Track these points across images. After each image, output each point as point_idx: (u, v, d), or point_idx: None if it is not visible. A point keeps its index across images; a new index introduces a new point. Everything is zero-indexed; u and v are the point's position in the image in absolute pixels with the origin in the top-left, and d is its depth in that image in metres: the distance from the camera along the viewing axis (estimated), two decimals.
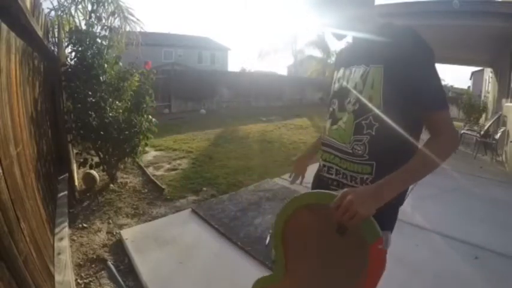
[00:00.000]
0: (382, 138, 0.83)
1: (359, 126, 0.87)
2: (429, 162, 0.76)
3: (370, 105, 0.83)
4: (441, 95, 0.80)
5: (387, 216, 0.91)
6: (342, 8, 0.86)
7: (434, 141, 0.79)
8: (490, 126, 5.97)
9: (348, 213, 0.69)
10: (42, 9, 2.46)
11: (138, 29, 4.23)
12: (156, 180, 3.48)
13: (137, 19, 4.14)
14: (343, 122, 0.92)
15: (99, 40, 3.03)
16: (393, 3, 5.14)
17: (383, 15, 4.81)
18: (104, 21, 3.41)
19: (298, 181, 1.31)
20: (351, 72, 0.94)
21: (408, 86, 0.79)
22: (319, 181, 1.04)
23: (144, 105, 3.29)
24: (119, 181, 3.40)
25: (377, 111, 0.82)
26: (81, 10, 3.57)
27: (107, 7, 3.59)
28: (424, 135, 0.85)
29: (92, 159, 3.07)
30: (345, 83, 0.95)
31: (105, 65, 3.00)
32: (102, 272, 1.93)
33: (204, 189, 3.38)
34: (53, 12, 3.44)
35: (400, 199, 0.92)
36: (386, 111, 0.81)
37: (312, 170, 1.13)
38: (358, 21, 0.89)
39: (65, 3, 3.51)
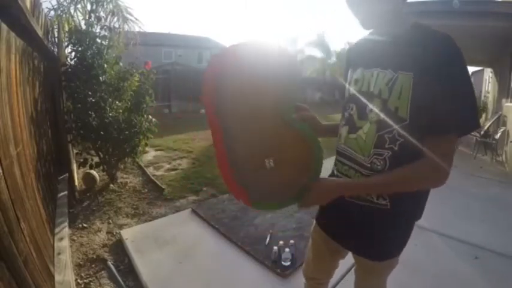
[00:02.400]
0: (404, 154, 0.75)
1: (381, 139, 0.78)
2: (402, 184, 0.77)
3: (396, 117, 0.75)
4: (460, 119, 0.71)
5: (408, 230, 0.91)
6: (372, 3, 0.77)
7: (421, 164, 0.74)
8: (490, 126, 5.97)
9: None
10: (42, 9, 2.46)
11: (137, 29, 4.23)
12: (156, 180, 3.48)
13: (136, 19, 4.13)
14: (364, 132, 0.82)
15: (98, 40, 3.03)
16: None
17: None
18: (103, 21, 3.41)
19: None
20: (372, 75, 0.82)
21: (433, 100, 0.70)
22: None
23: (144, 105, 3.29)
24: (119, 181, 3.40)
25: (402, 124, 0.74)
26: (81, 10, 3.56)
27: (106, 6, 3.58)
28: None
29: (92, 159, 3.07)
30: (365, 87, 0.84)
31: (105, 65, 3.00)
32: (102, 272, 1.93)
33: (204, 189, 3.38)
34: (52, 12, 3.44)
35: (418, 215, 0.90)
36: (411, 126, 0.73)
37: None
38: (388, 20, 0.79)
39: (64, 3, 3.50)
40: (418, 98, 0.72)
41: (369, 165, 0.82)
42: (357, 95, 0.86)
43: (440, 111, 0.70)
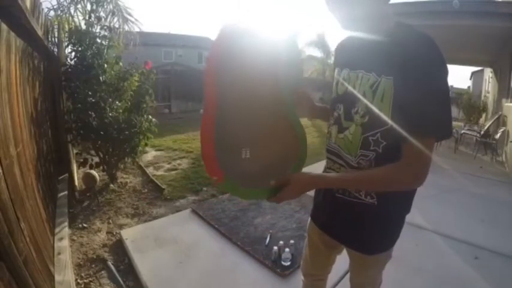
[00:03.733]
0: (388, 157, 0.77)
1: (366, 142, 0.81)
2: (374, 183, 0.79)
3: (379, 120, 0.76)
4: (436, 122, 0.72)
5: (397, 226, 0.93)
6: (354, 3, 0.75)
7: (394, 166, 0.74)
8: (490, 126, 5.97)
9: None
10: (42, 9, 2.46)
11: (137, 29, 4.23)
12: (156, 180, 3.48)
13: (135, 19, 4.14)
14: (350, 133, 0.85)
15: (98, 40, 3.03)
16: (392, 3, 5.13)
17: None
18: (103, 21, 3.41)
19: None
20: (357, 77, 0.84)
21: (412, 103, 0.71)
22: (326, 188, 0.98)
23: (144, 105, 3.29)
24: (119, 181, 3.40)
25: (385, 128, 0.76)
26: (81, 10, 3.56)
27: (105, 7, 3.59)
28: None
29: (92, 159, 3.07)
30: (350, 88, 0.86)
31: (105, 65, 3.00)
32: (102, 272, 1.93)
33: (204, 189, 3.38)
34: (52, 12, 3.44)
35: (407, 208, 0.91)
36: (393, 129, 0.75)
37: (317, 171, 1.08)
38: (371, 20, 0.78)
39: (64, 3, 3.51)
40: (398, 101, 0.73)
41: (356, 165, 0.85)
42: (343, 96, 0.88)
43: (417, 115, 0.71)
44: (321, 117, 1.09)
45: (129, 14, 4.02)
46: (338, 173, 0.89)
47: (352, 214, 0.91)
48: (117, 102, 3.12)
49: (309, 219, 1.14)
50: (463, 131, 6.43)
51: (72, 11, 3.53)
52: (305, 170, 0.96)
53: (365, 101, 0.83)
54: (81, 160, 2.99)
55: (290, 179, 0.84)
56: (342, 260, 1.15)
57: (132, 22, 4.09)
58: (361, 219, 0.90)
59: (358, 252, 0.95)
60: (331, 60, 20.45)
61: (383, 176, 0.77)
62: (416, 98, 0.70)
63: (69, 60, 2.97)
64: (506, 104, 5.61)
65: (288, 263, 1.90)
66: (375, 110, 0.77)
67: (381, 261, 0.99)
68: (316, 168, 4.23)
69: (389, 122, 0.76)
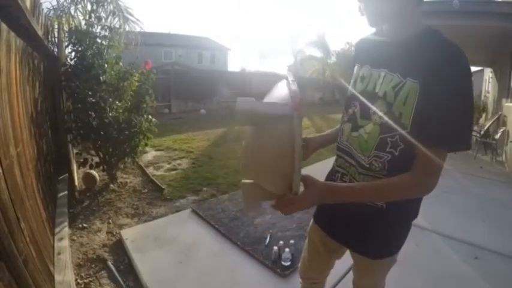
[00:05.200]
0: (404, 160, 0.74)
1: (383, 142, 0.78)
2: (387, 195, 0.76)
3: (399, 122, 0.75)
4: (457, 134, 0.70)
5: (404, 231, 0.92)
6: (381, 1, 0.74)
7: (410, 178, 0.72)
8: (490, 126, 5.97)
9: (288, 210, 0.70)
10: (42, 9, 2.46)
11: (138, 29, 4.23)
12: (156, 180, 3.48)
13: (136, 19, 4.14)
14: (366, 132, 0.83)
15: (99, 40, 3.04)
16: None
17: None
18: (103, 21, 3.41)
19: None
20: (379, 76, 0.82)
21: (434, 112, 0.69)
22: None
23: (144, 105, 3.29)
24: (118, 181, 3.40)
25: (405, 132, 0.74)
26: (81, 10, 3.56)
27: (106, 7, 3.59)
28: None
29: (92, 159, 3.07)
30: (370, 87, 0.84)
31: (105, 65, 3.00)
32: (102, 272, 1.93)
33: (204, 189, 3.38)
34: (52, 12, 3.44)
35: (415, 213, 0.90)
36: (412, 134, 0.72)
37: (317, 171, 1.07)
38: (400, 19, 0.77)
39: (65, 3, 3.50)
40: (421, 107, 0.71)
41: (367, 165, 0.83)
42: (362, 94, 0.86)
43: (440, 124, 0.69)
44: (326, 145, 1.08)
45: (130, 14, 4.02)
46: (350, 184, 0.85)
47: (359, 217, 0.88)
48: (117, 102, 3.13)
49: (311, 221, 1.11)
50: None
51: (72, 11, 3.53)
52: (306, 169, 0.95)
53: (371, 104, 0.80)
54: (81, 160, 2.99)
55: (306, 180, 0.71)
56: (342, 261, 1.15)
57: (133, 22, 4.09)
58: (369, 223, 0.88)
59: (364, 257, 0.94)
60: (331, 60, 20.51)
61: (400, 184, 0.73)
62: (442, 107, 0.68)
63: (69, 60, 2.97)
64: (506, 104, 5.61)
65: (288, 263, 1.90)
66: (396, 111, 0.75)
67: (386, 265, 0.98)
68: (317, 168, 4.37)
69: (403, 128, 0.74)
